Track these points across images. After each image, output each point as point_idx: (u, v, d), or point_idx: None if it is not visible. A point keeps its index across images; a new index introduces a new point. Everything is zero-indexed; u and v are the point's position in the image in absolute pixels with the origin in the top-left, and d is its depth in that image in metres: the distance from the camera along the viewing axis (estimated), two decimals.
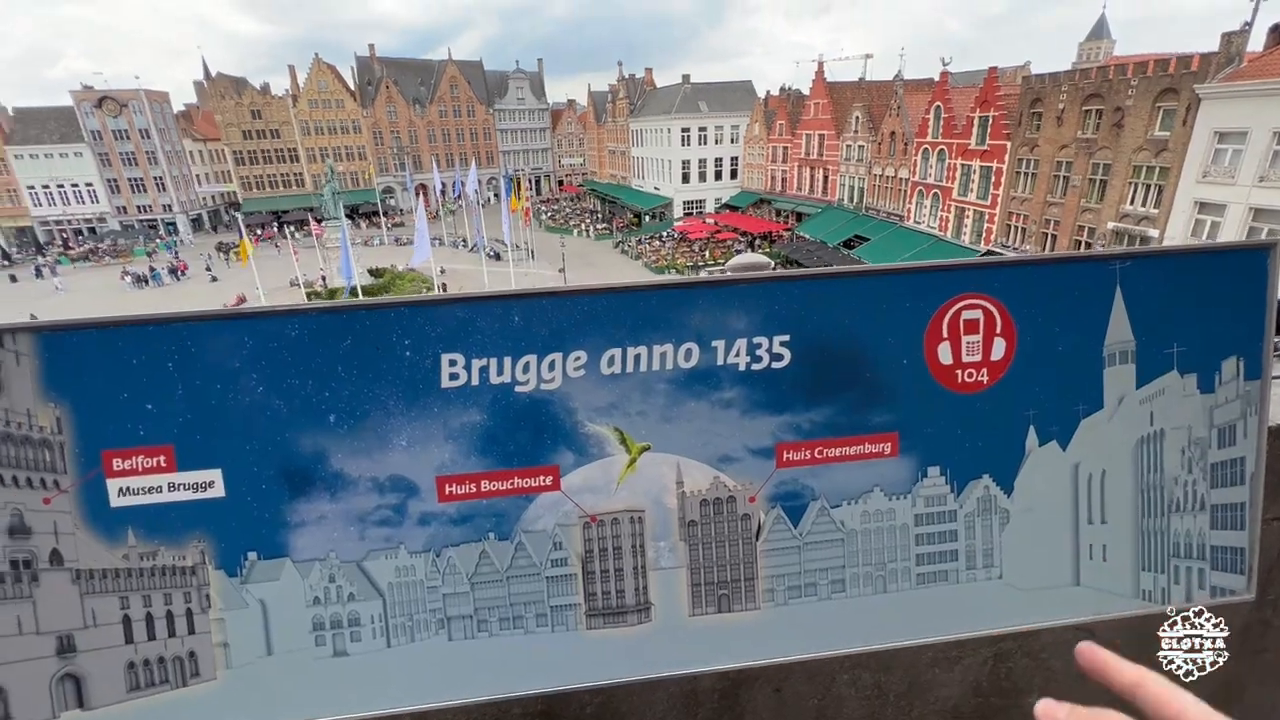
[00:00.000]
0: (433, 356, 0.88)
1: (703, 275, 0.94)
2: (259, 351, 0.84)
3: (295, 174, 62.21)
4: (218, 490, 0.87)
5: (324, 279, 35.45)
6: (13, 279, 44.12)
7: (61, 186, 53.36)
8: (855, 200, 38.97)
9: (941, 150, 31.55)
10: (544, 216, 61.43)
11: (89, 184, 53.90)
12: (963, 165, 30.11)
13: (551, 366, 0.90)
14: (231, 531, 0.87)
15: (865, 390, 0.95)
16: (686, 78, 52.31)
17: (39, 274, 44.69)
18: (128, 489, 0.86)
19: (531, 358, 0.89)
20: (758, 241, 44.05)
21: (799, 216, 43.50)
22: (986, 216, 28.90)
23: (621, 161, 62.27)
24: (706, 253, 42.46)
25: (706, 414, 0.93)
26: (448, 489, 0.90)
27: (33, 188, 52.67)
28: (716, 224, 47.37)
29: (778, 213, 46.23)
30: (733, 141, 50.94)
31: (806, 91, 43.97)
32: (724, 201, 51.18)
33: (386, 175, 65.85)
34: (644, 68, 62.19)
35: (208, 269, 43.27)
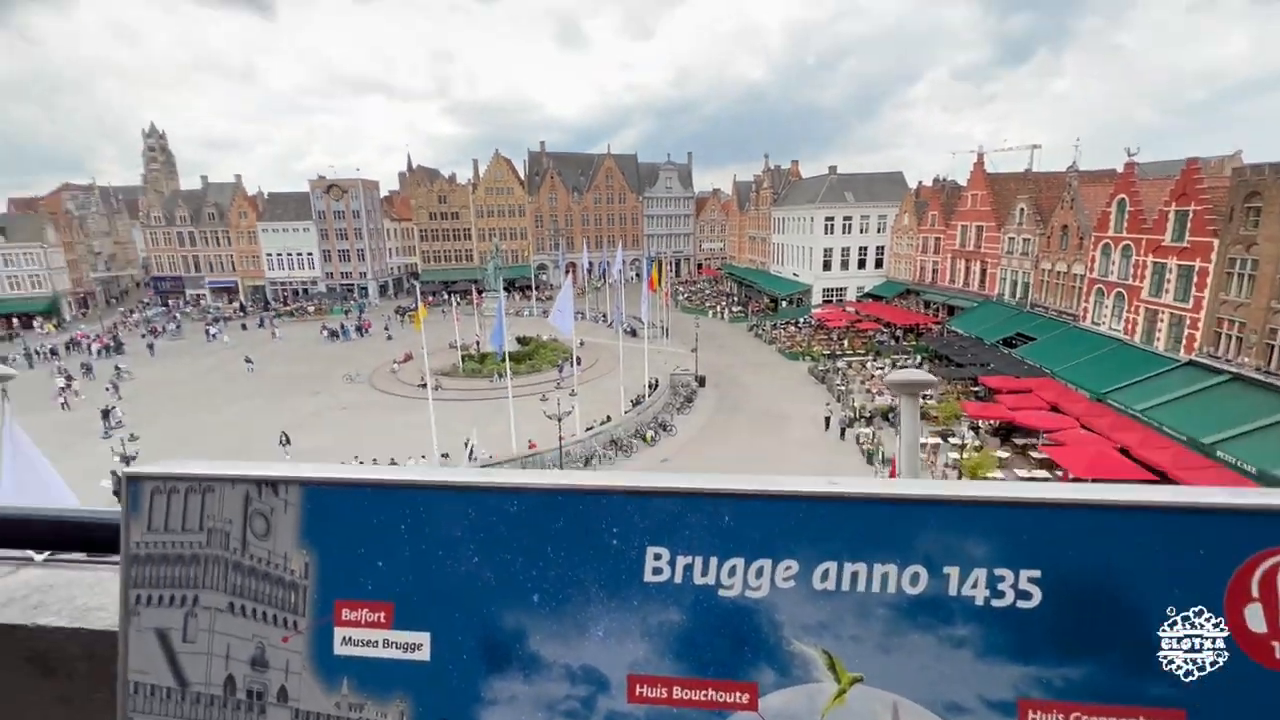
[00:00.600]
0: (639, 547, 0.85)
1: (937, 490, 0.84)
2: (480, 523, 0.88)
3: (466, 250, 70.54)
4: (424, 654, 0.89)
5: (478, 344, 38.78)
6: (243, 327, 53.81)
7: (289, 255, 64.98)
8: (1018, 296, 35.93)
9: (1126, 246, 28.39)
10: (681, 297, 63.33)
11: (309, 253, 65.09)
12: (1154, 263, 26.75)
13: (759, 573, 0.84)
14: (430, 697, 0.89)
15: (1141, 650, 0.77)
16: (833, 169, 52.77)
17: (261, 324, 54.09)
18: (350, 639, 0.91)
19: (739, 561, 0.84)
20: (901, 333, 41.83)
21: (951, 310, 40.87)
22: (1187, 321, 25.14)
23: (761, 247, 63.21)
24: (845, 341, 41.05)
25: (933, 651, 0.81)
26: (638, 689, 0.85)
27: (270, 255, 64.65)
28: (857, 313, 45.87)
29: (926, 304, 43.85)
30: (879, 231, 49.89)
31: (963, 182, 42.30)
32: (867, 290, 49.68)
33: (542, 254, 72.48)
34: (790, 159, 63.84)
35: (386, 329, 49.68)
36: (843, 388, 31.54)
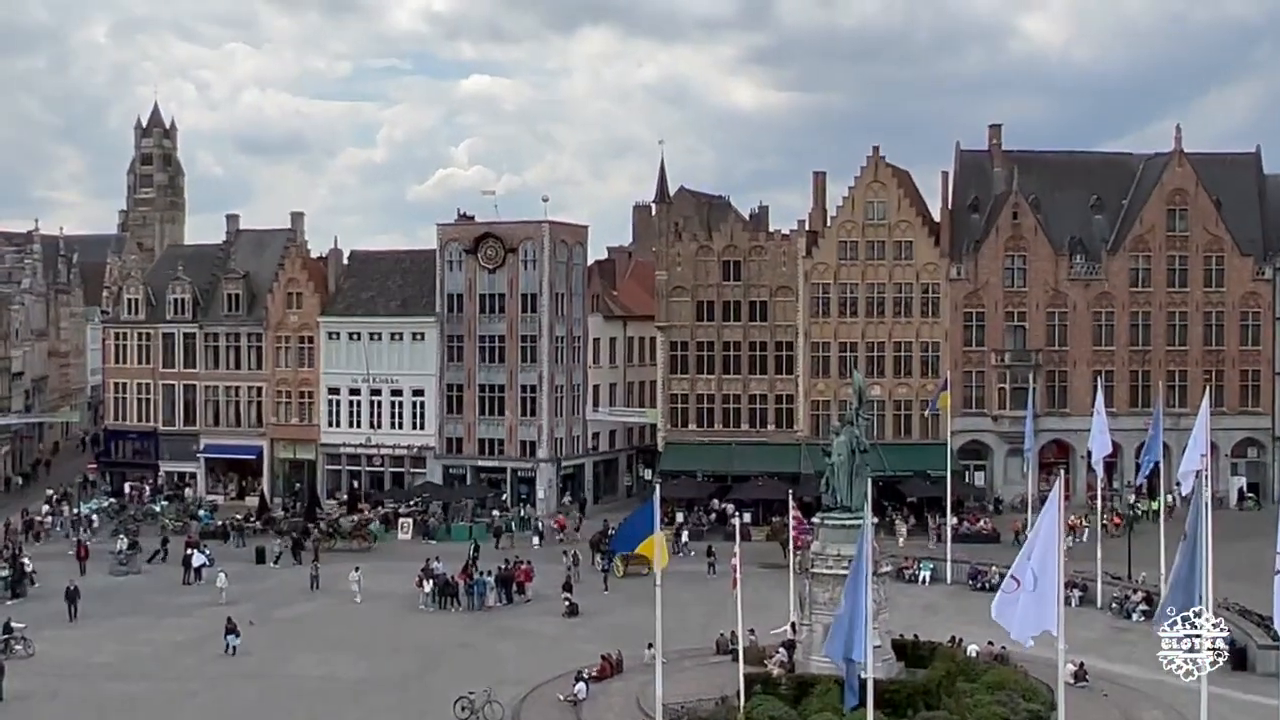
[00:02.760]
0: None
1: None
2: None
3: (780, 393, 69.18)
4: None
5: (791, 644, 36.60)
6: (260, 554, 57.27)
7: (373, 396, 69.14)
8: None
9: None
10: None
11: (418, 391, 69.05)
12: None
13: None
14: None
15: None
16: None
17: (297, 553, 56.30)
18: None
19: None
20: None
21: None
22: None
23: None
24: None
25: None
26: None
27: (337, 393, 69.56)
28: None
29: None
30: None
31: None
32: None
33: (972, 412, 67.33)
34: None
35: (565, 587, 48.04)
36: None
